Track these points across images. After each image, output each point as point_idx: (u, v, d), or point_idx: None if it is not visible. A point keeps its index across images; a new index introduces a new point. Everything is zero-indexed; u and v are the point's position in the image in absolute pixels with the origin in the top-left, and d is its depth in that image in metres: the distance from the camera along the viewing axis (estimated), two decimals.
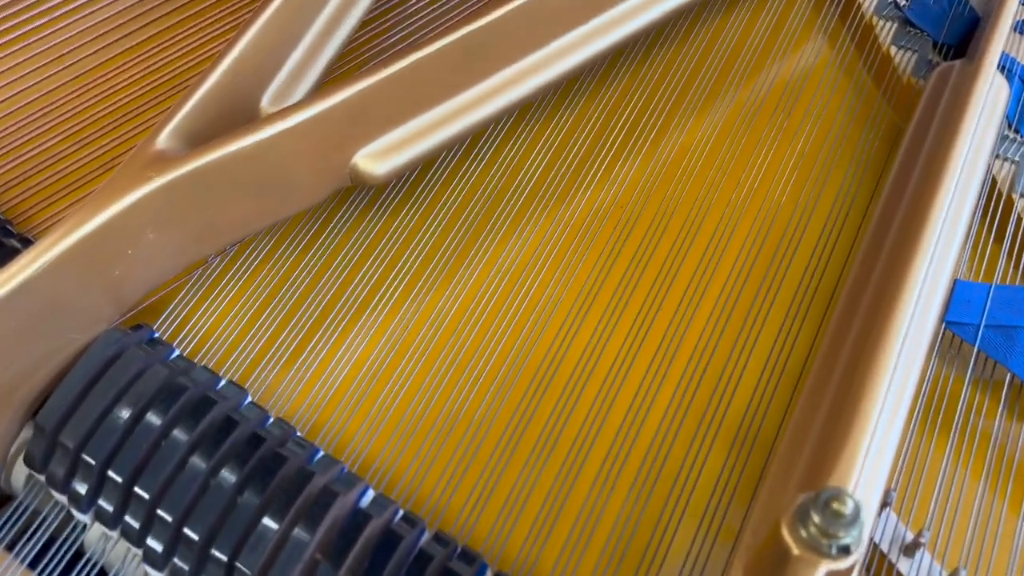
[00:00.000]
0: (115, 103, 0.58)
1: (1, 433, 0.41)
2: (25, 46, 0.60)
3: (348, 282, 0.50)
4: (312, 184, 0.49)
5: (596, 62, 0.58)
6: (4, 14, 0.62)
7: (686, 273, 0.50)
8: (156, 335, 0.46)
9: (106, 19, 0.61)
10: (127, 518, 0.40)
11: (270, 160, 0.46)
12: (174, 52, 0.61)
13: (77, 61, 0.59)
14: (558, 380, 0.46)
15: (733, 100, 0.58)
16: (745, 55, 0.61)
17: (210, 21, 0.62)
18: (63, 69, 0.59)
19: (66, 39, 0.61)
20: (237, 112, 0.50)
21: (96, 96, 0.58)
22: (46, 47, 0.60)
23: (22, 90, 0.58)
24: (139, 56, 0.60)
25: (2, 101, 0.57)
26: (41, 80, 0.58)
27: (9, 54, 0.60)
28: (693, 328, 0.48)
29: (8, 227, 0.49)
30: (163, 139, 0.44)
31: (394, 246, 0.51)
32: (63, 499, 0.42)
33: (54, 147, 0.55)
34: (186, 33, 0.62)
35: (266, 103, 0.52)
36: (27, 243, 0.49)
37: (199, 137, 0.47)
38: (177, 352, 0.45)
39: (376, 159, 0.51)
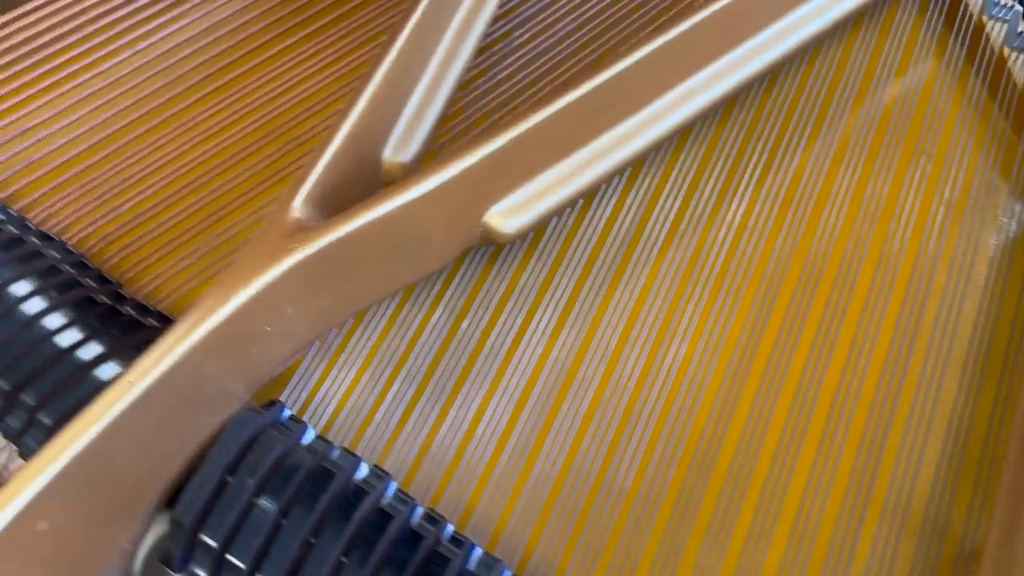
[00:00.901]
0: (217, 144, 0.55)
1: (134, 529, 0.39)
2: (115, 83, 0.57)
3: (482, 343, 0.47)
4: (445, 245, 0.46)
5: (726, 100, 0.55)
6: (96, 46, 0.59)
7: (846, 338, 0.47)
8: (287, 411, 0.43)
9: (208, 60, 0.59)
10: None
11: (408, 224, 0.43)
12: (277, 92, 0.58)
13: (169, 102, 0.56)
14: (723, 459, 0.43)
15: (869, 135, 0.55)
16: (850, 81, 0.58)
17: (316, 62, 0.59)
18: (153, 113, 0.56)
19: (162, 82, 0.57)
20: (363, 168, 0.47)
21: (194, 137, 0.55)
22: (134, 82, 0.57)
23: (106, 133, 0.55)
24: (236, 94, 0.58)
25: (90, 142, 0.54)
26: (129, 121, 0.55)
27: (96, 91, 0.57)
28: (862, 402, 0.45)
29: (119, 291, 0.46)
30: (298, 206, 0.41)
31: (525, 302, 0.48)
32: None
33: (151, 197, 0.53)
34: (296, 75, 0.58)
35: (388, 154, 0.49)
36: (142, 309, 0.46)
37: (329, 200, 0.44)
38: (311, 430, 0.42)
39: (507, 216, 0.47)
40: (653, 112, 0.51)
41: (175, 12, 0.60)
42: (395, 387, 0.45)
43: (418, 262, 0.45)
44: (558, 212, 0.49)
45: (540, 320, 0.48)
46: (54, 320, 0.42)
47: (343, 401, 0.44)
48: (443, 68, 0.53)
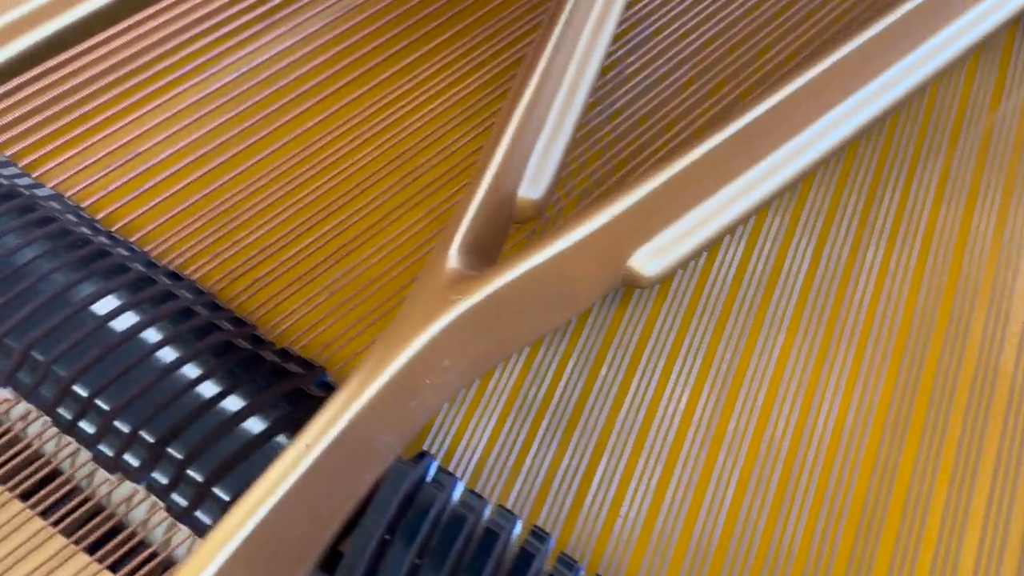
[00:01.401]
0: (335, 175, 0.53)
1: None
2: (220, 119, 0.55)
3: (622, 393, 0.45)
4: (589, 290, 0.44)
5: (862, 134, 0.53)
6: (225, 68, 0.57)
7: (1003, 387, 0.46)
8: (435, 463, 0.42)
9: (320, 83, 0.57)
10: None
11: (560, 271, 0.42)
12: (393, 118, 0.56)
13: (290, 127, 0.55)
14: (891, 521, 0.42)
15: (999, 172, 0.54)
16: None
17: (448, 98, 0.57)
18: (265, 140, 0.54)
19: (273, 107, 0.55)
20: (501, 208, 0.46)
21: (312, 166, 0.54)
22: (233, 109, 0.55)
23: (220, 160, 0.54)
24: (352, 120, 0.56)
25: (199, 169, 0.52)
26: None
27: (206, 114, 0.55)
28: None
29: (256, 334, 0.45)
30: (454, 255, 0.40)
31: (663, 350, 0.47)
32: None
33: (274, 231, 0.51)
34: (412, 100, 0.56)
35: (522, 192, 0.48)
36: (283, 354, 0.44)
37: (476, 245, 0.43)
38: (461, 484, 0.41)
39: (650, 259, 0.46)
40: (795, 147, 0.49)
41: (292, 42, 0.59)
42: (538, 438, 0.44)
43: (564, 307, 0.44)
44: (699, 254, 0.47)
45: (680, 371, 0.46)
46: (201, 374, 0.40)
47: (486, 451, 0.43)
48: (568, 102, 0.52)
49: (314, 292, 0.48)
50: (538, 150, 0.49)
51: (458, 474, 0.42)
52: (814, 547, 0.40)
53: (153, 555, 0.39)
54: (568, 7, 0.52)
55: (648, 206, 0.44)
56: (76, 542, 0.40)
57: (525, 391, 0.45)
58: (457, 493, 0.40)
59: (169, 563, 0.39)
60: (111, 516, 0.41)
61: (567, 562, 0.38)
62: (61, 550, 0.39)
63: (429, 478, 0.40)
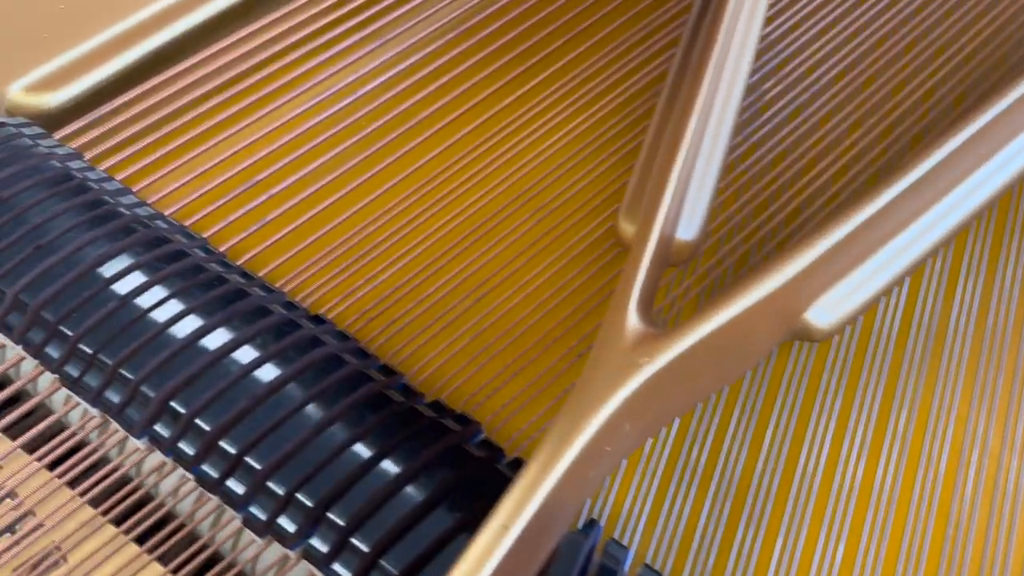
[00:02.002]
0: (463, 210, 0.50)
1: None
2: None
3: (793, 458, 0.42)
4: (763, 345, 0.41)
5: None
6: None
7: None
8: (600, 528, 0.39)
9: (439, 109, 0.54)
10: None
11: (741, 328, 0.39)
12: (517, 149, 0.53)
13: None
14: None
15: None
16: None
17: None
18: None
19: (394, 134, 0.52)
20: (665, 256, 0.43)
21: (438, 201, 0.51)
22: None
23: (341, 193, 0.51)
24: (475, 151, 0.53)
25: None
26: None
27: (321, 142, 0.52)
28: None
29: (408, 385, 0.42)
30: (632, 312, 0.37)
31: (832, 410, 0.44)
32: None
33: (406, 269, 0.48)
34: (535, 129, 0.53)
35: (680, 234, 0.45)
36: (438, 408, 0.41)
37: (646, 297, 0.40)
38: (630, 554, 0.38)
39: (825, 312, 0.43)
40: (969, 187, 0.46)
41: (412, 80, 0.56)
42: (706, 505, 0.41)
43: (739, 363, 0.41)
44: (872, 304, 0.45)
45: (855, 432, 0.43)
46: (358, 432, 0.38)
47: (652, 519, 0.40)
48: (716, 134, 0.49)
49: (454, 336, 0.45)
50: (692, 188, 0.46)
51: (627, 544, 0.40)
52: None
53: None
54: (720, 33, 0.49)
55: (828, 258, 0.41)
56: None
57: (686, 453, 0.42)
58: (628, 562, 0.37)
59: None
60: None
61: None
62: None
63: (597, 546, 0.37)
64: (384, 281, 0.47)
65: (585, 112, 0.55)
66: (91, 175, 0.48)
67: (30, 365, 0.43)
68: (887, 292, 0.45)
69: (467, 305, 0.46)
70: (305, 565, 0.37)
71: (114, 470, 0.41)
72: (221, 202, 0.49)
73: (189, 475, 0.39)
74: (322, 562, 0.36)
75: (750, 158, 0.52)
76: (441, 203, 0.50)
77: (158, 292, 0.42)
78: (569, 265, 0.48)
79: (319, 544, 0.36)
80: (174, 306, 0.41)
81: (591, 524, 0.38)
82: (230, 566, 0.38)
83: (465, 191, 0.51)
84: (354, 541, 0.35)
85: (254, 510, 0.37)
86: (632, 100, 0.55)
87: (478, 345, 0.45)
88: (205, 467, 0.38)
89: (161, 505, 0.40)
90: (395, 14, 0.58)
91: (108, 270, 0.43)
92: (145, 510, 0.40)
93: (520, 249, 0.49)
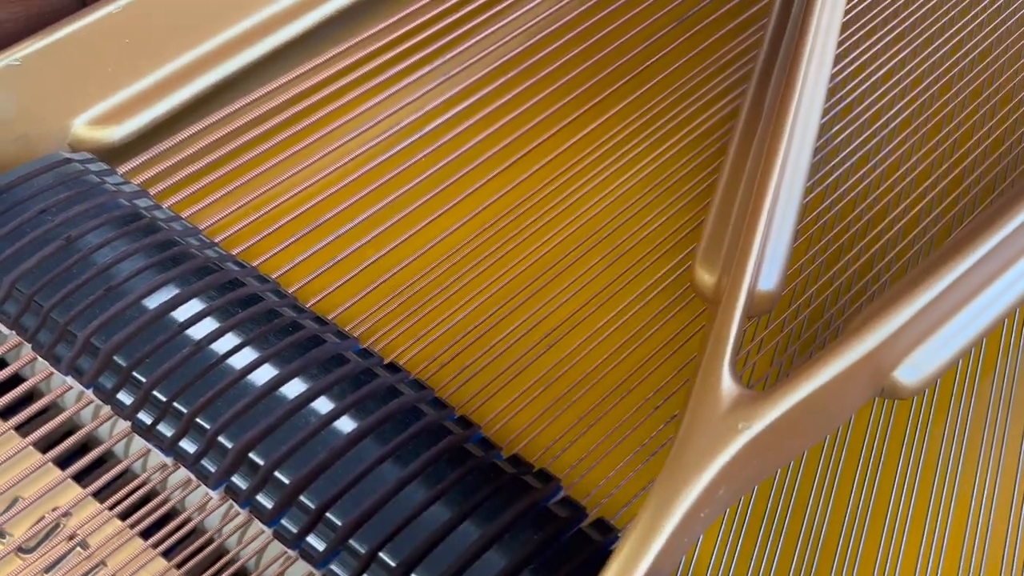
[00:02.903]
0: (530, 253, 0.49)
1: None
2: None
3: (879, 519, 0.42)
4: (854, 403, 0.41)
5: None
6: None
7: None
8: None
9: (503, 148, 0.53)
10: None
11: (836, 389, 0.38)
12: (584, 190, 0.52)
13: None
14: None
15: None
16: None
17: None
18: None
19: (455, 176, 0.51)
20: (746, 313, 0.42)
21: (504, 243, 0.50)
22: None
23: (405, 236, 0.50)
24: (541, 191, 0.52)
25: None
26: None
27: (379, 186, 0.51)
28: None
29: (487, 439, 0.41)
30: (727, 373, 0.36)
31: (917, 469, 0.43)
32: None
33: (475, 314, 0.47)
34: (599, 171, 0.52)
35: (763, 285, 0.44)
36: (516, 462, 0.40)
37: (732, 358, 0.39)
38: None
39: (913, 370, 0.42)
40: None
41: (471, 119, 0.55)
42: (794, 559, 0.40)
43: (831, 422, 0.40)
44: (957, 361, 0.44)
45: (939, 493, 0.42)
46: (441, 490, 0.37)
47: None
48: (793, 178, 0.48)
49: (527, 386, 0.44)
50: (773, 235, 0.45)
51: None
52: None
53: None
54: (799, 70, 0.48)
55: (920, 315, 0.40)
56: None
57: (769, 515, 0.41)
58: None
59: None
60: None
61: None
62: None
63: None
64: (454, 327, 0.46)
65: (655, 151, 0.54)
66: (159, 214, 0.48)
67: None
68: (971, 348, 0.44)
69: (539, 352, 0.46)
70: None
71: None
72: (288, 243, 0.49)
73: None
74: None
75: (819, 206, 0.51)
76: (510, 244, 0.50)
77: (232, 339, 0.41)
78: (643, 311, 0.48)
79: None
80: (249, 353, 0.41)
81: None
82: None
83: (535, 232, 0.50)
84: None
85: (335, 568, 0.36)
86: (703, 138, 0.55)
87: (551, 395, 0.44)
88: (286, 522, 0.37)
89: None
90: (460, 48, 0.57)
91: (182, 314, 0.42)
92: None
93: (591, 295, 0.48)
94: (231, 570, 0.39)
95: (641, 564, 0.31)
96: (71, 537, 0.39)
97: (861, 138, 0.54)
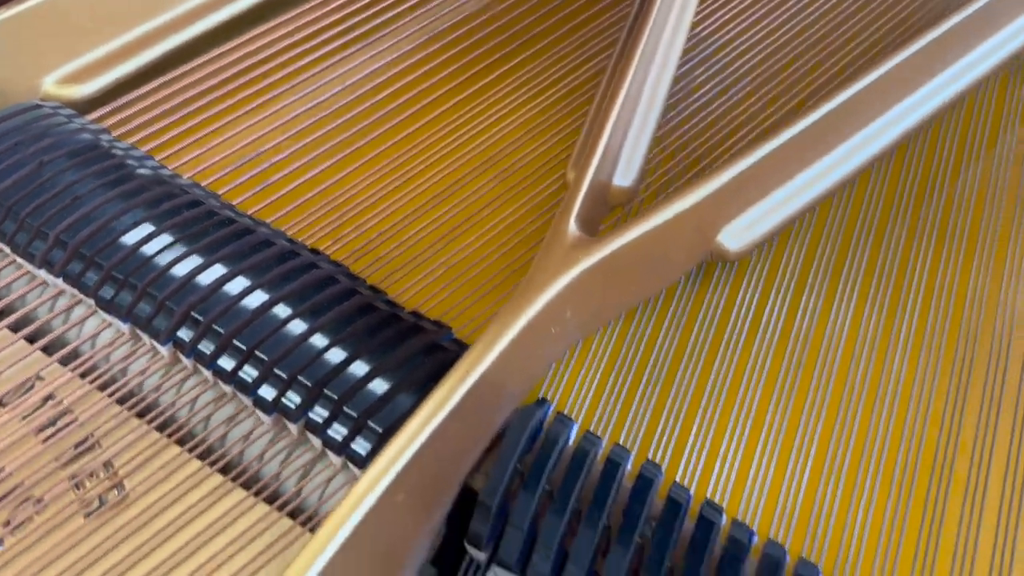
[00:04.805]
0: (439, 171, 0.59)
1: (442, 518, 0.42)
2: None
3: (713, 353, 0.50)
4: (682, 261, 0.50)
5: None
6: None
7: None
8: (551, 407, 0.46)
9: (424, 89, 0.64)
10: None
11: (660, 240, 0.47)
12: (485, 123, 0.63)
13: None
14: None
15: None
16: None
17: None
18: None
19: (382, 111, 0.62)
20: (601, 192, 0.52)
21: (417, 164, 0.60)
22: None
23: (339, 157, 0.60)
24: (452, 123, 0.62)
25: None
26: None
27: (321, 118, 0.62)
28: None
29: (388, 302, 0.50)
30: (572, 223, 0.46)
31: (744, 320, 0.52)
32: None
33: (390, 217, 0.57)
34: (497, 110, 0.63)
35: (617, 181, 0.54)
36: (413, 321, 0.49)
37: (586, 218, 0.48)
38: (576, 425, 0.46)
39: (735, 237, 0.52)
40: (874, 130, 0.55)
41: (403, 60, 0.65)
42: (639, 389, 0.49)
43: (660, 276, 0.49)
44: (779, 231, 0.53)
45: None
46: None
47: (594, 399, 0.48)
48: (649, 107, 0.58)
49: (430, 268, 0.54)
50: (628, 145, 0.55)
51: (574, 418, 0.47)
52: (893, 488, 0.45)
53: None
54: (646, 31, 0.58)
55: (734, 187, 0.49)
56: None
57: (624, 352, 0.50)
58: (573, 432, 0.45)
59: None
60: None
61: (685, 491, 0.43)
62: None
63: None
64: (371, 227, 0.56)
65: (538, 98, 0.64)
66: (118, 144, 0.56)
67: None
68: (792, 222, 0.53)
69: (440, 246, 0.55)
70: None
71: None
72: (233, 167, 0.58)
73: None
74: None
75: (683, 127, 0.61)
76: (422, 166, 0.59)
77: (175, 233, 0.50)
78: (521, 218, 0.57)
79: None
80: (191, 241, 0.50)
81: (541, 401, 0.45)
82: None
83: (440, 157, 0.60)
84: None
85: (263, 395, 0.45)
86: (576, 90, 0.65)
87: (452, 274, 0.53)
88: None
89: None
90: (388, 17, 0.68)
91: (132, 216, 0.51)
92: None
93: (484, 204, 0.58)
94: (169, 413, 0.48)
95: (482, 364, 0.40)
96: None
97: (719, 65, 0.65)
